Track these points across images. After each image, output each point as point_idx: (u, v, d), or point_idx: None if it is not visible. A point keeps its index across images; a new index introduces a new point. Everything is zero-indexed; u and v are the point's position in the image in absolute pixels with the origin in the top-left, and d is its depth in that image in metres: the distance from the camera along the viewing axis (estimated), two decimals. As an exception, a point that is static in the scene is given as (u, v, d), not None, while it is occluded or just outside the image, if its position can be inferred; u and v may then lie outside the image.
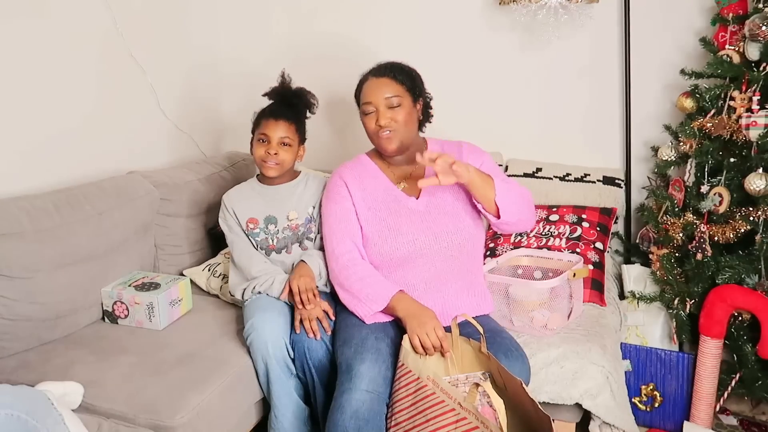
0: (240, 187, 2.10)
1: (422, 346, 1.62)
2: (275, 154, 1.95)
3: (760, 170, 1.91)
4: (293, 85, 2.04)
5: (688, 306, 2.04)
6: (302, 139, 2.03)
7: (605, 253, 2.23)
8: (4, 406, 1.20)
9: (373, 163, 1.96)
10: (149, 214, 2.14)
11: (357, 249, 1.86)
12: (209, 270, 2.25)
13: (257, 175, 2.11)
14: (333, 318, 1.84)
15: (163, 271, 2.23)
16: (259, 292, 1.91)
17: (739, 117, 1.96)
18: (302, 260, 1.93)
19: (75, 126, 2.19)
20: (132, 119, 2.44)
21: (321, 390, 1.78)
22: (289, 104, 2.02)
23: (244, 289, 1.94)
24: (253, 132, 2.03)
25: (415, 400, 1.51)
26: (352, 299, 1.79)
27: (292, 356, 1.79)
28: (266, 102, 2.05)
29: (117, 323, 1.96)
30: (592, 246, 2.21)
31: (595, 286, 2.10)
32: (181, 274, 2.25)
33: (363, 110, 1.86)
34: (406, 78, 1.86)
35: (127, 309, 1.93)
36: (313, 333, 1.77)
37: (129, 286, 1.96)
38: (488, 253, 2.25)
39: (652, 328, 2.16)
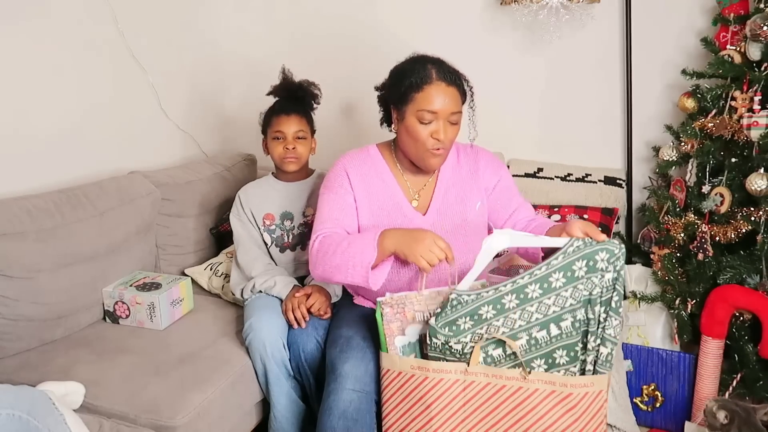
0: (256, 183, 2.12)
1: (430, 264, 1.48)
2: (293, 149, 1.98)
3: (762, 170, 1.91)
4: (295, 78, 2.06)
5: (689, 306, 2.04)
6: (313, 131, 2.07)
7: (606, 254, 2.23)
8: (6, 406, 1.20)
9: (384, 161, 1.76)
10: (150, 214, 2.14)
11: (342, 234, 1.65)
12: (211, 269, 2.25)
13: (272, 172, 2.13)
14: (326, 317, 1.82)
15: (164, 271, 2.23)
16: (260, 291, 1.91)
17: (741, 117, 1.96)
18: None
19: (76, 126, 2.19)
20: (133, 119, 2.45)
21: (317, 391, 1.78)
22: (295, 98, 2.03)
23: (243, 288, 1.94)
24: (264, 132, 2.05)
25: (405, 394, 1.50)
26: (342, 271, 1.56)
27: (289, 357, 1.79)
28: (270, 101, 2.05)
29: (118, 323, 1.96)
30: (594, 246, 2.20)
31: (597, 286, 2.09)
32: (183, 274, 2.25)
33: (419, 115, 1.59)
34: (466, 91, 1.66)
35: (129, 309, 1.93)
36: (298, 323, 1.79)
37: (130, 286, 1.97)
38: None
39: (654, 328, 2.16)
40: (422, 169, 1.71)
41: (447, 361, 1.46)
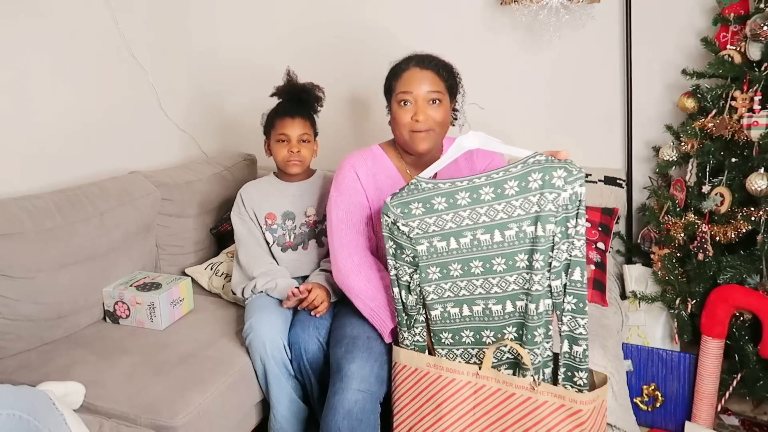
0: (258, 183, 2.12)
1: None
2: (297, 152, 1.98)
3: (762, 170, 1.91)
4: (299, 80, 2.05)
5: (689, 306, 2.04)
6: (316, 133, 2.07)
7: (607, 254, 2.23)
8: (6, 407, 1.20)
9: (389, 159, 1.82)
10: (151, 214, 2.14)
11: (368, 250, 1.75)
12: (211, 269, 2.25)
13: (274, 171, 2.12)
14: (316, 308, 1.82)
15: (164, 271, 2.23)
16: (261, 291, 1.91)
17: (741, 117, 1.96)
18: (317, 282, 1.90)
19: (76, 126, 2.20)
20: (133, 119, 2.45)
21: (318, 390, 1.78)
22: (299, 101, 2.03)
23: (244, 288, 1.94)
24: (266, 134, 2.04)
25: (418, 391, 1.52)
26: (364, 307, 1.69)
27: (290, 357, 1.79)
28: (271, 102, 2.05)
29: (118, 323, 1.96)
30: (594, 246, 2.21)
31: (597, 286, 2.10)
32: (183, 274, 2.25)
33: (398, 99, 1.70)
34: (449, 76, 1.73)
35: (129, 309, 1.93)
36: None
37: (130, 286, 1.97)
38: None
39: (654, 328, 2.16)
40: (413, 154, 1.76)
41: (395, 241, 1.50)
